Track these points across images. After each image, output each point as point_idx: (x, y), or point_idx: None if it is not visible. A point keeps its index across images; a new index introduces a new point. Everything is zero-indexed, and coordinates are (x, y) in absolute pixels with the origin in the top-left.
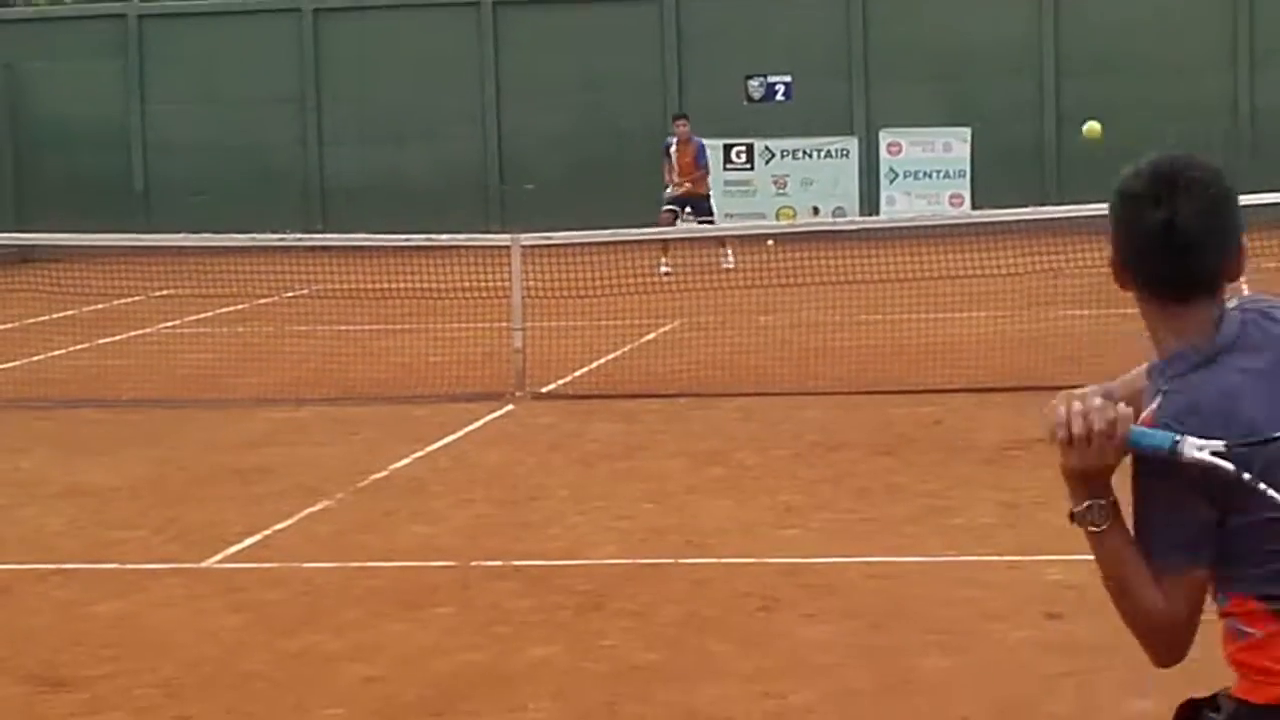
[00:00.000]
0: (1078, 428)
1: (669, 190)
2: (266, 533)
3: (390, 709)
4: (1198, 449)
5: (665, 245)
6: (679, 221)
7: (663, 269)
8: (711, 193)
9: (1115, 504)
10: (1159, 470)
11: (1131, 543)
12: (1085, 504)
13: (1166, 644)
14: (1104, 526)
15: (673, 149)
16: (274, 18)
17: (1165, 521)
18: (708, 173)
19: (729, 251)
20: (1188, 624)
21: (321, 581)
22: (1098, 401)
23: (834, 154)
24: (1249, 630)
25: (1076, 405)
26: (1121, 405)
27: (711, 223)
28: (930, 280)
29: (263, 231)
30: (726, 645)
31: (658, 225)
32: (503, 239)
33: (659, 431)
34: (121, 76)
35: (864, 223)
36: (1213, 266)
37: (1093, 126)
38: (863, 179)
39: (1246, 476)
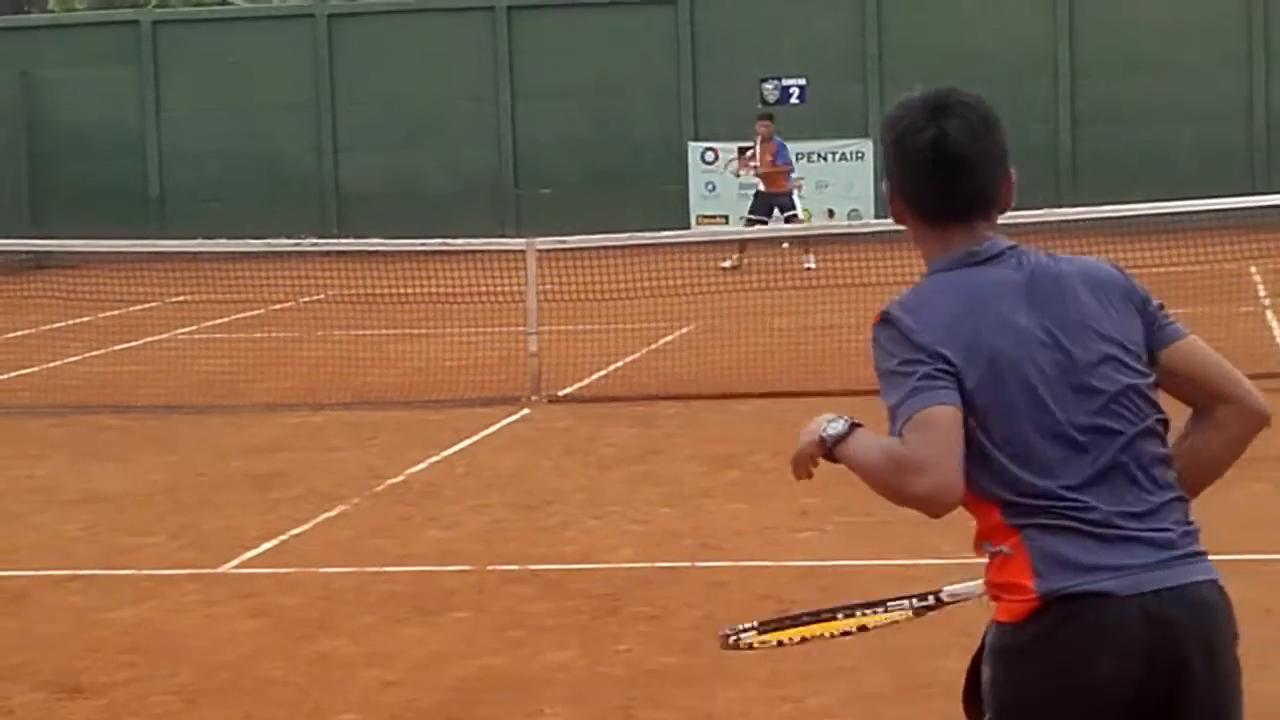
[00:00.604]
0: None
1: (758, 189)
2: (283, 538)
3: (407, 714)
4: None
5: (743, 245)
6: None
7: (725, 262)
8: (794, 190)
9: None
10: (888, 359)
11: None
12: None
13: (917, 496)
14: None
15: (756, 148)
16: (288, 23)
17: (896, 384)
18: (791, 169)
19: (810, 255)
20: (933, 466)
21: (338, 586)
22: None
23: (849, 156)
24: (999, 548)
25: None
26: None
27: (796, 219)
28: None
29: (278, 237)
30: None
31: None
32: (518, 243)
33: (675, 435)
34: (136, 83)
35: (879, 225)
36: (982, 183)
37: None
38: (878, 181)
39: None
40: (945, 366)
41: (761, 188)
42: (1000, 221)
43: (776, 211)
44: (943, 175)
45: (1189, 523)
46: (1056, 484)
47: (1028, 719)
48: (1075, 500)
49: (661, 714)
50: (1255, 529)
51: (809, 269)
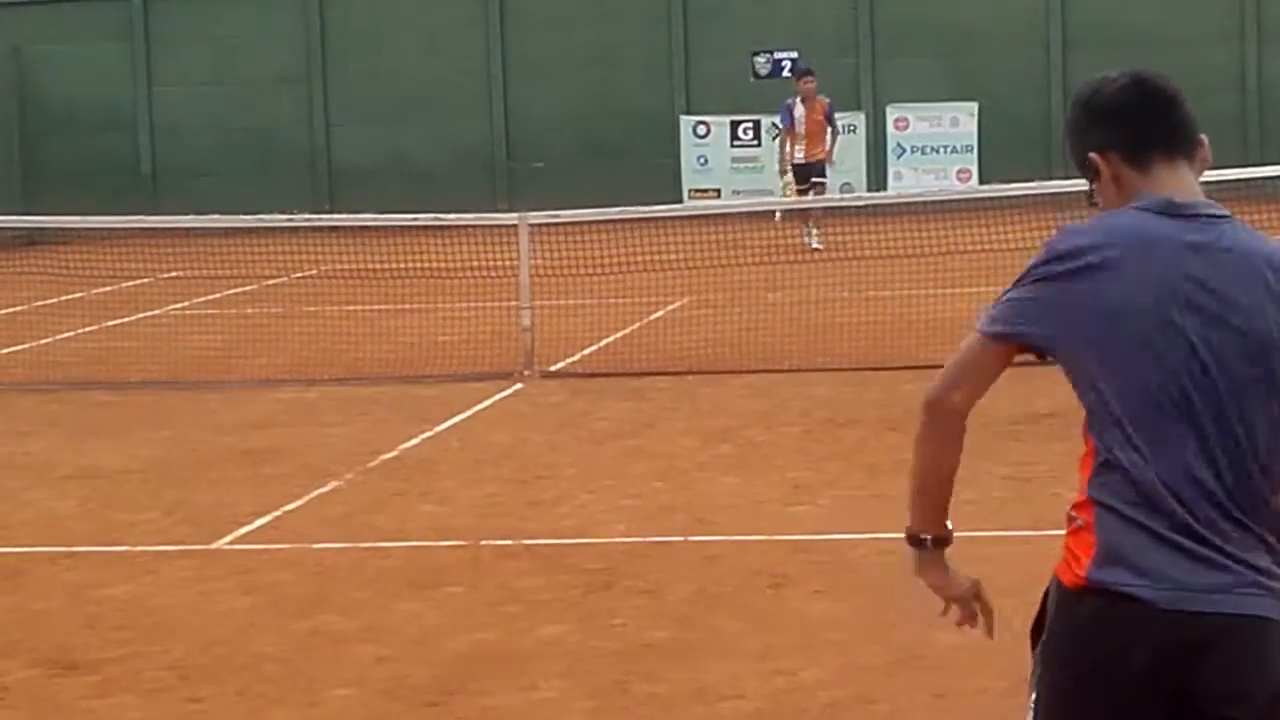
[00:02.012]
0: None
1: (797, 159)
2: (276, 514)
3: (401, 689)
4: None
5: (807, 214)
6: (811, 194)
7: (814, 243)
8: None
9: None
10: (1035, 268)
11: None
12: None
13: (933, 413)
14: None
15: (796, 110)
16: None
17: (1008, 300)
18: (838, 133)
19: (814, 230)
20: (955, 386)
21: (331, 562)
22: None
23: (841, 130)
24: (1077, 518)
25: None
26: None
27: (824, 188)
28: (938, 255)
29: (270, 212)
30: (737, 623)
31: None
32: (510, 218)
33: (668, 409)
34: (128, 58)
35: (871, 198)
36: (1183, 117)
37: None
38: (870, 154)
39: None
40: (1058, 300)
41: (801, 158)
42: (990, 195)
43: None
44: (1147, 106)
45: (1267, 568)
46: (1150, 469)
47: (1062, 671)
48: (1157, 494)
49: (655, 688)
50: None
51: (816, 249)
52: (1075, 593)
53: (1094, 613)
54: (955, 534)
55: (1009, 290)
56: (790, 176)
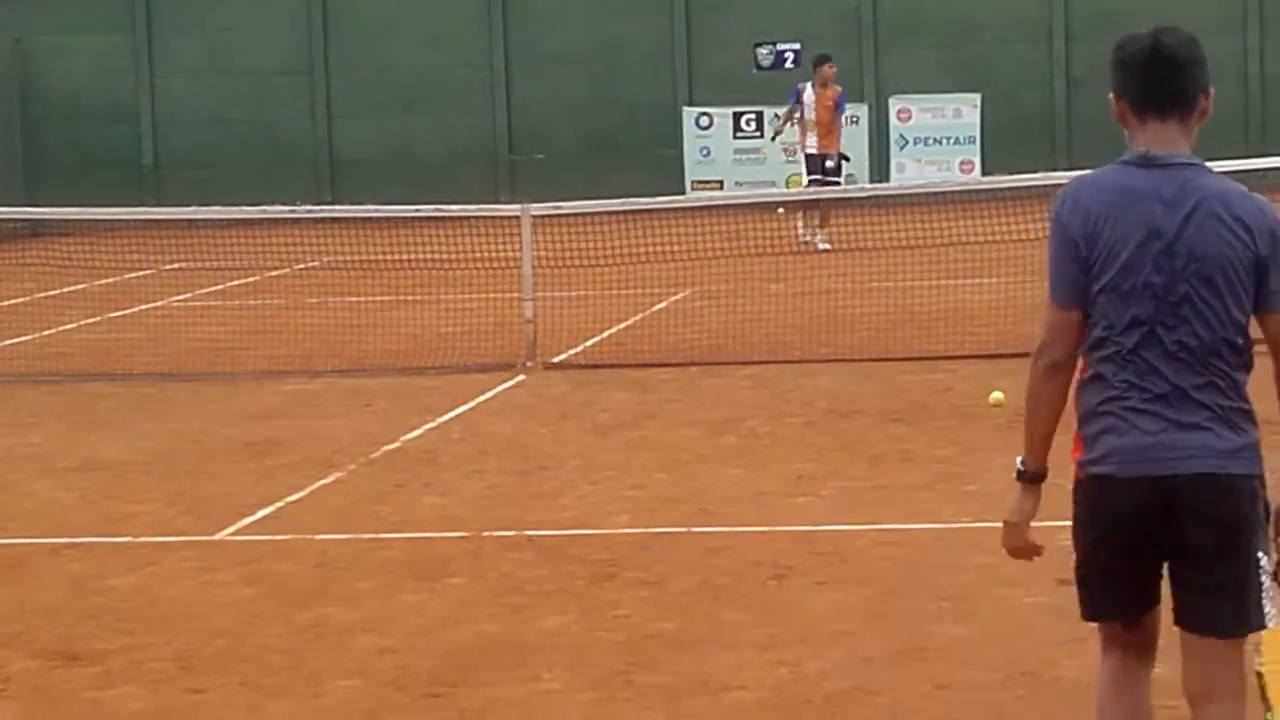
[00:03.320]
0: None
1: (809, 149)
2: (279, 505)
3: (404, 680)
4: None
5: (825, 214)
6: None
7: (820, 244)
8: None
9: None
10: (1053, 229)
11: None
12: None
13: (1037, 369)
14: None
15: (806, 95)
16: None
17: (1052, 265)
18: (842, 122)
19: (820, 231)
20: (1046, 347)
21: (334, 553)
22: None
23: (844, 121)
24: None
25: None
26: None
27: (838, 184)
28: (941, 246)
29: (273, 204)
30: (739, 614)
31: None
32: (513, 209)
33: (670, 400)
34: (130, 50)
35: (874, 189)
36: (1183, 83)
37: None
38: (873, 146)
39: None
40: (1077, 254)
41: (813, 148)
42: (993, 187)
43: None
44: (1153, 72)
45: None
46: (1121, 372)
47: (1084, 534)
48: (1127, 390)
49: (658, 679)
50: None
51: (823, 250)
52: (1078, 482)
53: (1090, 492)
54: (960, 524)
55: (1048, 261)
56: (803, 161)
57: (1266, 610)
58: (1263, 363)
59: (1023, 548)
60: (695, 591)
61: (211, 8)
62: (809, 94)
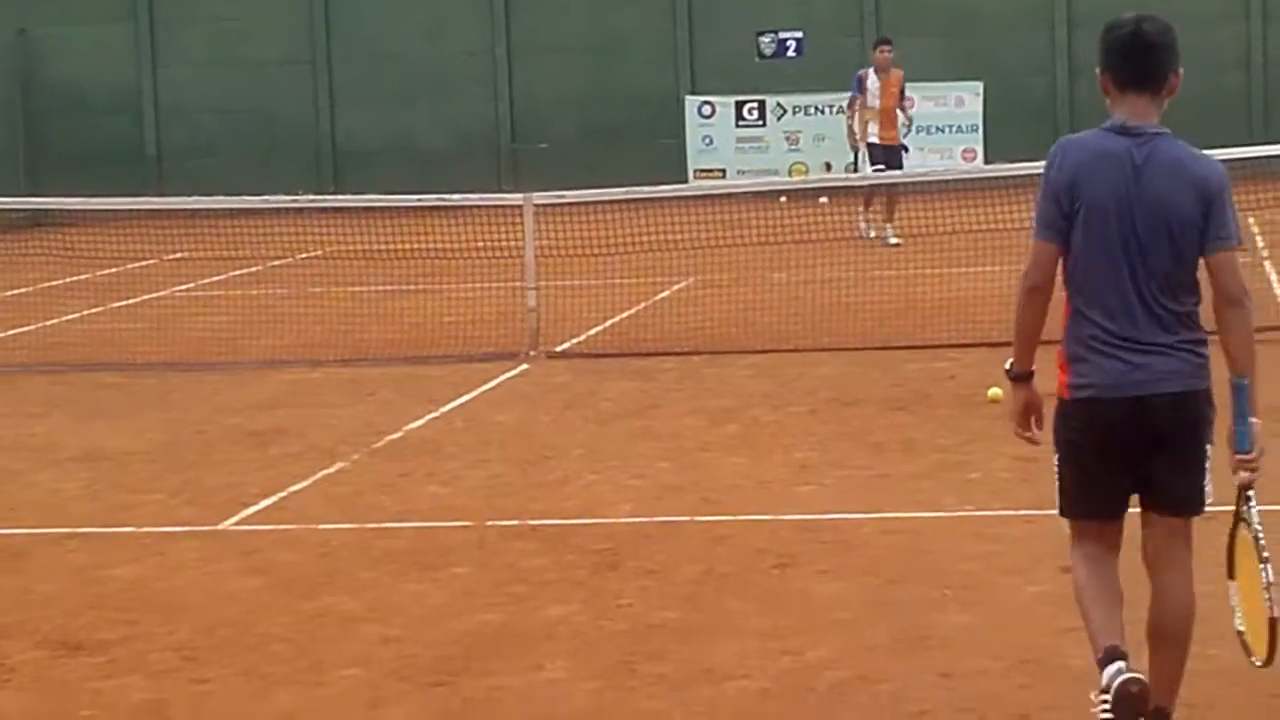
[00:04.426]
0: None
1: (871, 139)
2: (282, 494)
3: (407, 669)
4: None
5: (891, 207)
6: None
7: (891, 239)
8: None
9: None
10: (1043, 178)
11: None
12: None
13: (1021, 291)
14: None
15: (869, 81)
16: None
17: (1039, 207)
18: (907, 108)
19: (889, 225)
20: (1029, 272)
21: (338, 543)
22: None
23: (846, 110)
24: (1063, 352)
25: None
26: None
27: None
28: (943, 235)
29: (275, 193)
30: (743, 602)
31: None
32: (515, 198)
33: (673, 389)
34: (133, 40)
35: (876, 178)
36: (1157, 63)
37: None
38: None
39: None
40: (1060, 201)
41: (875, 137)
42: (996, 175)
43: (863, 155)
44: (1133, 54)
45: (1180, 347)
46: (1096, 312)
47: (1067, 441)
48: (1103, 323)
49: (662, 668)
50: None
51: (894, 244)
52: (1063, 401)
53: (1074, 410)
54: (963, 512)
55: (1038, 202)
56: (864, 151)
57: (1207, 491)
58: (1265, 352)
59: (1023, 410)
60: (698, 580)
61: None
62: (872, 80)
